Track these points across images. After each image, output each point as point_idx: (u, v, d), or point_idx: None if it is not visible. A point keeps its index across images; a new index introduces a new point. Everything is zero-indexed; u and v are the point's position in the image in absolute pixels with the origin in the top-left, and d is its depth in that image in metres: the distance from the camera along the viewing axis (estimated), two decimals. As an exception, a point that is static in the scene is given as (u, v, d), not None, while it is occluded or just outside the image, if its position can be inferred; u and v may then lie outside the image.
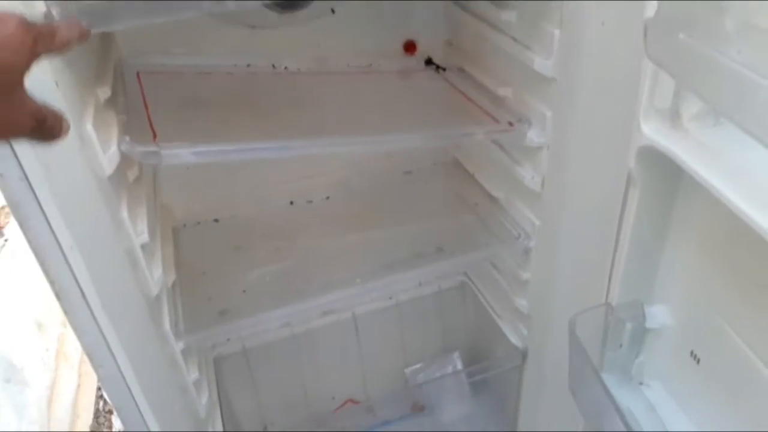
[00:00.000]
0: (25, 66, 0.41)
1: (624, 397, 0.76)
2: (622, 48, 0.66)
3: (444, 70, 1.08)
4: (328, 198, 1.15)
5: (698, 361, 0.70)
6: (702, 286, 0.67)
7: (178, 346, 0.84)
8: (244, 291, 0.94)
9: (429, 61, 1.09)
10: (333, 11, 1.00)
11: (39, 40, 0.42)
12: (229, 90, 0.92)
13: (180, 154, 0.69)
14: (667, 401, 0.77)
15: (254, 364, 1.20)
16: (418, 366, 1.38)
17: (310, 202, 1.14)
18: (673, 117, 0.58)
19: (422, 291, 1.29)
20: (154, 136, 0.71)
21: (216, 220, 1.10)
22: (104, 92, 0.73)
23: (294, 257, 1.01)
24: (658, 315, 0.74)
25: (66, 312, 0.58)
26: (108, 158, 0.66)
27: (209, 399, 0.98)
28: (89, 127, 0.63)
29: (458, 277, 1.31)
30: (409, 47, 1.08)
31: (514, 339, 1.16)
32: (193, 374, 0.89)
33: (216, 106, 0.87)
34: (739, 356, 0.62)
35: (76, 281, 0.58)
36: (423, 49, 1.09)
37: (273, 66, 0.99)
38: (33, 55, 0.42)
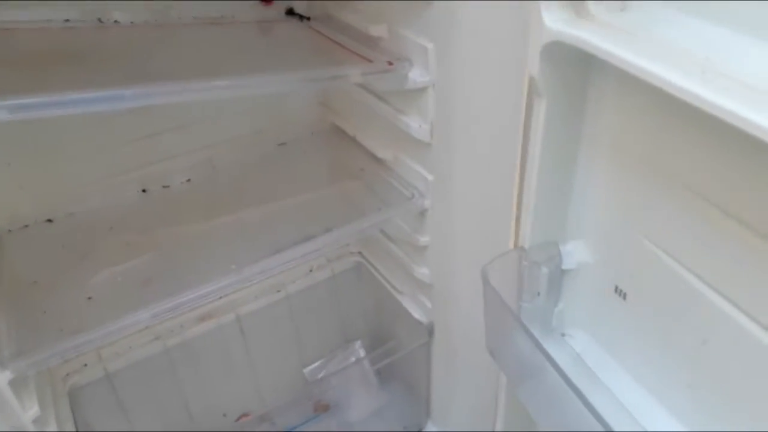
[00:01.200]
0: None
1: (538, 358, 0.67)
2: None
3: (308, 19, 0.95)
4: (188, 181, 0.99)
5: (624, 297, 0.63)
6: (621, 208, 0.60)
7: (4, 376, 0.65)
8: (89, 298, 0.76)
9: (290, 11, 0.96)
10: (168, -47, 0.84)
11: None
12: (42, 48, 0.74)
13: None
14: (594, 349, 0.69)
15: (122, 390, 1.00)
16: (318, 363, 1.24)
17: (167, 187, 0.97)
18: (577, 6, 0.50)
19: (314, 278, 1.16)
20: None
21: (49, 221, 0.89)
22: None
23: (151, 252, 0.83)
24: (575, 252, 0.67)
25: None
26: None
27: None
28: None
29: (352, 258, 1.19)
30: (265, -1, 0.94)
31: (417, 314, 1.06)
32: (31, 410, 0.70)
33: (27, 65, 0.68)
34: (671, 278, 0.55)
35: None
36: (282, -3, 0.96)
37: (99, 20, 0.81)
38: None
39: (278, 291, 1.12)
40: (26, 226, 0.88)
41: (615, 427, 0.52)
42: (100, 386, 0.97)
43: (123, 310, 0.71)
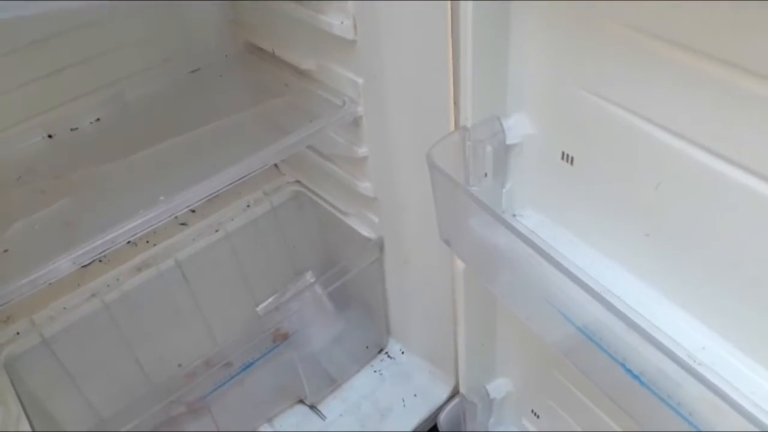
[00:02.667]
0: None
1: (497, 236, 0.66)
2: None
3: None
4: (98, 120, 0.90)
5: (572, 162, 0.62)
6: (558, 65, 0.58)
7: None
8: (5, 251, 0.69)
9: None
10: None
11: None
12: None
13: None
14: (547, 224, 0.69)
15: (64, 355, 0.93)
16: (270, 300, 1.20)
17: (75, 129, 0.88)
18: None
19: (253, 213, 1.11)
20: None
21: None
22: None
23: (68, 197, 0.76)
24: (519, 125, 0.65)
25: None
26: None
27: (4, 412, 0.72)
28: None
29: (290, 188, 1.14)
30: None
31: (366, 231, 1.03)
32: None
33: None
34: (617, 128, 0.54)
35: None
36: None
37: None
38: None
39: (216, 231, 1.07)
40: None
41: (572, 297, 0.51)
42: (39, 354, 0.90)
43: (47, 256, 0.64)
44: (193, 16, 0.99)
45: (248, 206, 1.11)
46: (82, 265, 0.67)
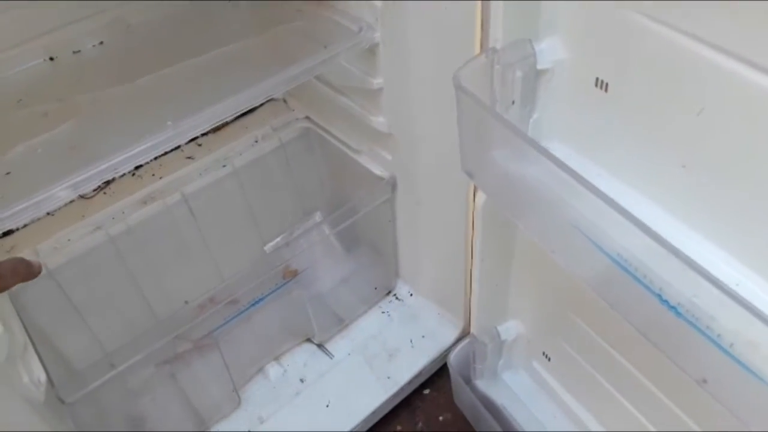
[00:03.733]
0: None
1: (525, 164, 0.63)
2: None
3: None
4: (101, 44, 0.86)
5: (606, 88, 0.59)
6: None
7: None
8: (8, 173, 0.66)
9: None
10: None
11: None
12: None
13: None
14: (576, 158, 0.66)
15: (69, 287, 0.92)
16: (278, 239, 1.18)
17: (78, 52, 0.84)
18: None
19: (261, 149, 1.08)
20: None
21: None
22: None
23: (71, 120, 0.72)
24: (551, 49, 0.61)
25: None
26: None
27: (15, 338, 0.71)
28: None
29: (299, 124, 1.10)
30: None
31: (378, 170, 1.00)
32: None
33: None
34: (660, 49, 0.50)
35: None
36: None
37: None
38: None
39: (224, 166, 1.04)
40: None
41: (609, 225, 0.48)
42: (43, 286, 0.89)
43: (51, 179, 0.62)
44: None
45: (256, 142, 1.08)
46: (87, 190, 0.64)
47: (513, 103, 0.62)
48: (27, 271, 0.54)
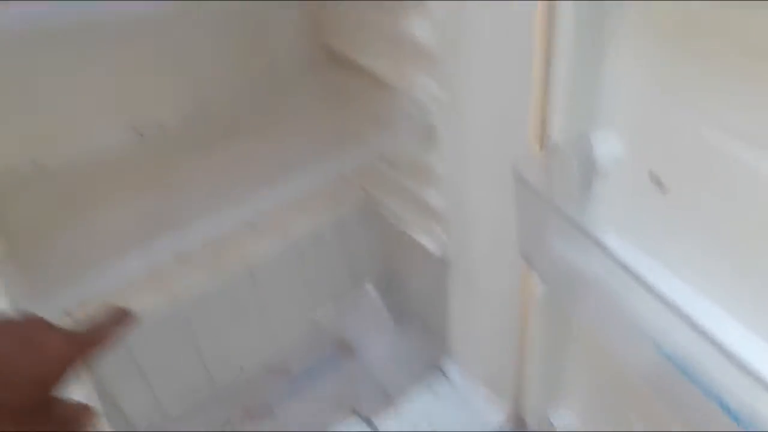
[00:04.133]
0: (64, 377, 0.39)
1: (581, 254, 0.64)
2: None
3: None
4: (182, 119, 0.93)
5: (661, 186, 0.60)
6: (654, 85, 0.56)
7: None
8: (100, 239, 0.71)
9: None
10: None
11: (82, 350, 0.41)
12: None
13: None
14: (629, 249, 0.66)
15: (137, 349, 0.96)
16: (330, 307, 1.21)
17: (162, 128, 0.91)
18: None
19: (319, 220, 1.12)
20: None
21: (42, 166, 0.83)
22: None
23: (157, 190, 0.78)
24: (608, 143, 0.63)
25: None
26: None
27: (89, 393, 0.74)
28: None
29: (357, 196, 1.15)
30: None
31: (432, 247, 1.02)
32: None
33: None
34: (722, 158, 0.52)
35: None
36: None
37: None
38: (74, 367, 0.40)
39: (284, 234, 1.08)
40: (17, 171, 0.82)
41: (667, 324, 0.49)
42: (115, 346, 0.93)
43: (139, 247, 0.67)
44: (275, 21, 1.01)
45: (315, 212, 1.12)
46: (163, 259, 0.68)
47: (570, 194, 0.64)
48: (127, 317, 0.49)
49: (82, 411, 0.42)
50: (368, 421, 1.08)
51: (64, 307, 0.65)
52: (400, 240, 1.08)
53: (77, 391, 0.72)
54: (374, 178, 1.10)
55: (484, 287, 0.96)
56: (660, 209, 0.61)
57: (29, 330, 0.40)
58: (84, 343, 0.42)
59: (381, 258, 1.19)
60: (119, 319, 0.47)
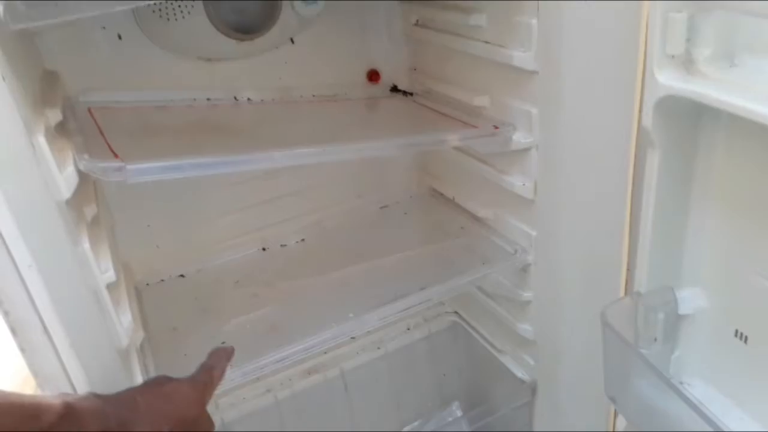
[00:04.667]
0: (199, 412, 0.55)
1: (665, 400, 0.68)
2: (607, 17, 0.64)
3: (411, 95, 1.04)
4: (303, 240, 1.07)
5: (746, 341, 0.64)
6: (737, 251, 0.62)
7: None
8: (223, 342, 0.82)
9: (394, 88, 1.06)
10: (292, 41, 0.96)
11: (206, 390, 0.57)
12: (190, 120, 0.85)
13: (147, 169, 0.61)
14: (715, 396, 0.69)
15: (235, 439, 1.05)
16: (416, 423, 1.25)
17: (284, 246, 1.05)
18: (687, 63, 0.55)
19: (411, 337, 1.20)
20: (115, 155, 0.62)
21: (182, 276, 0.99)
22: (54, 115, 0.65)
23: (273, 303, 0.90)
24: (692, 297, 0.68)
25: (23, 350, 0.47)
26: (65, 179, 0.57)
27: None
28: (41, 139, 0.54)
29: (448, 318, 1.22)
30: (373, 76, 1.05)
31: (519, 373, 1.07)
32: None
33: (178, 133, 0.79)
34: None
35: (37, 312, 0.47)
36: (387, 77, 1.06)
37: (235, 98, 0.93)
38: (206, 404, 0.56)
39: (378, 348, 1.16)
40: (162, 280, 0.98)
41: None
42: (216, 435, 1.03)
43: (254, 354, 0.77)
44: (386, 161, 1.16)
45: (408, 329, 1.21)
46: (283, 366, 0.79)
47: (655, 340, 0.69)
48: (229, 354, 0.65)
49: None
50: None
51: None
52: (489, 363, 1.13)
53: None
54: (466, 302, 1.18)
55: (570, 417, 0.99)
56: (744, 360, 0.64)
57: (163, 386, 0.54)
58: (204, 383, 0.57)
59: (469, 380, 1.24)
60: (223, 357, 0.63)
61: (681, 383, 0.72)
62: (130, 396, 0.51)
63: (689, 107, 0.57)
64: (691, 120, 0.60)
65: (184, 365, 0.79)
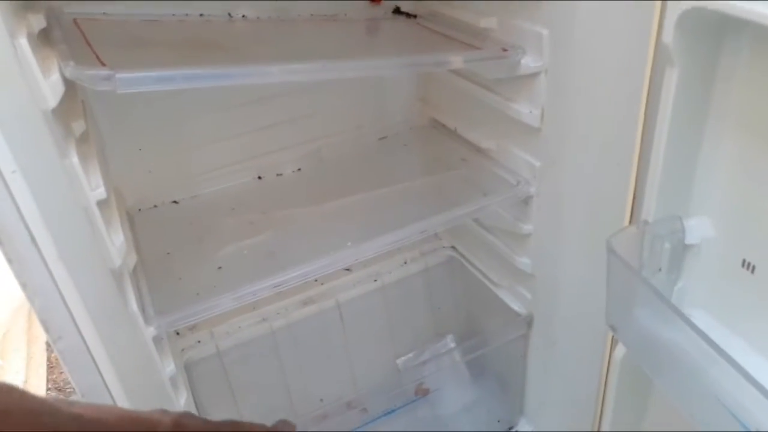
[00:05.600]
0: None
1: (668, 329, 0.67)
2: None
3: (415, 17, 1.00)
4: (299, 170, 1.04)
5: (753, 270, 0.63)
6: (751, 179, 0.60)
7: (149, 332, 0.70)
8: (219, 268, 0.81)
9: (397, 10, 1.01)
10: (291, -45, 0.91)
11: None
12: (182, 34, 0.81)
13: (138, 78, 0.57)
14: (717, 327, 0.69)
15: (230, 368, 1.05)
16: (410, 355, 1.26)
17: (280, 175, 1.03)
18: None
19: (408, 270, 1.19)
20: (102, 64, 0.58)
21: (175, 202, 0.96)
22: (38, 21, 0.61)
23: (271, 230, 0.88)
24: (700, 227, 0.67)
25: (10, 261, 0.44)
26: (50, 86, 0.54)
27: (187, 400, 0.84)
28: (23, 41, 0.50)
29: (445, 252, 1.21)
30: (375, -2, 1.00)
31: (516, 306, 1.06)
32: (168, 368, 0.75)
33: (169, 47, 0.75)
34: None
35: (23, 220, 0.44)
36: (388, -3, 1.01)
37: (229, 15, 0.88)
38: None
39: (375, 280, 1.16)
40: (155, 206, 0.95)
41: (750, 401, 0.52)
42: (212, 362, 1.03)
43: (252, 279, 0.76)
44: (386, 91, 1.12)
45: (405, 263, 1.20)
46: (275, 292, 0.77)
47: (660, 270, 0.68)
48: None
49: None
50: (439, 469, 1.12)
51: (175, 326, 0.74)
52: (485, 296, 1.13)
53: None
54: (464, 236, 1.17)
55: (566, 349, 0.99)
56: (749, 291, 0.64)
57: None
58: None
59: (464, 312, 1.25)
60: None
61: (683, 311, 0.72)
62: (230, 423, 0.48)
63: (713, 22, 0.53)
64: (714, 38, 0.57)
65: (179, 289, 0.79)
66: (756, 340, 0.65)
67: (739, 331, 0.67)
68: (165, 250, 0.85)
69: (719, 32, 0.57)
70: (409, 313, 1.23)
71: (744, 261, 0.64)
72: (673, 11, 0.54)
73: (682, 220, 0.67)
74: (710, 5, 0.51)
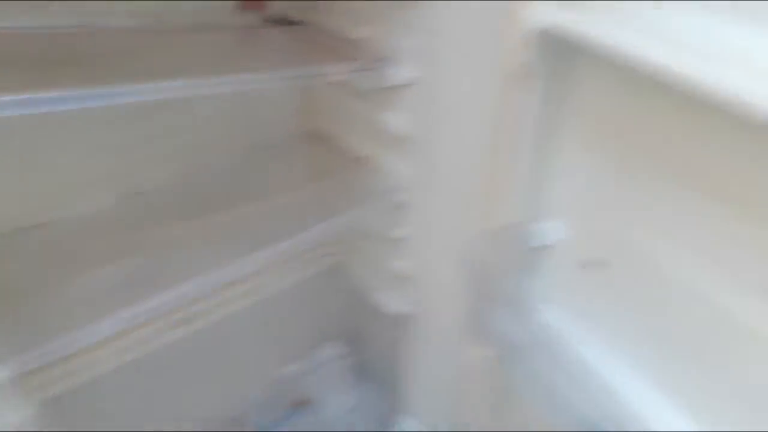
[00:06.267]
0: None
1: (524, 327, 0.72)
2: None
3: (291, 24, 0.98)
4: (163, 187, 0.99)
5: (598, 269, 0.69)
6: (597, 189, 0.66)
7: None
8: (76, 299, 0.76)
9: (273, 18, 0.99)
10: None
11: None
12: (39, 51, 0.74)
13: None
14: (567, 320, 0.75)
15: (102, 399, 0.99)
16: (295, 365, 1.25)
17: (140, 194, 0.97)
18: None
19: (289, 280, 1.18)
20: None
21: (24, 229, 0.88)
22: None
23: (133, 254, 0.83)
24: (552, 230, 0.72)
25: None
26: None
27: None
28: None
29: (326, 259, 1.21)
30: (248, 3, 0.97)
31: (395, 308, 1.09)
32: (11, 417, 0.69)
33: (26, 68, 0.69)
34: (645, 255, 0.61)
35: None
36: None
37: (83, 26, 0.82)
38: None
39: (254, 294, 1.13)
40: (14, 230, 0.87)
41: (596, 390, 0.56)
42: (79, 395, 0.95)
43: (110, 309, 0.72)
44: (263, 101, 1.10)
45: (285, 273, 1.18)
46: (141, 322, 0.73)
47: (514, 271, 0.73)
48: None
49: None
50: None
51: (29, 366, 0.69)
52: (365, 302, 1.15)
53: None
54: (344, 243, 1.17)
55: (442, 350, 1.03)
56: (595, 287, 0.70)
57: None
58: None
59: (346, 319, 1.26)
60: None
61: (539, 309, 0.77)
62: None
63: (561, 43, 0.58)
64: (563, 57, 0.61)
65: (32, 323, 0.72)
66: (600, 332, 0.71)
67: (586, 323, 0.73)
68: (21, 281, 0.77)
69: (569, 53, 0.61)
70: (293, 322, 1.22)
71: (591, 260, 0.69)
72: (525, 32, 0.58)
73: (537, 223, 0.72)
74: (552, 30, 0.56)
